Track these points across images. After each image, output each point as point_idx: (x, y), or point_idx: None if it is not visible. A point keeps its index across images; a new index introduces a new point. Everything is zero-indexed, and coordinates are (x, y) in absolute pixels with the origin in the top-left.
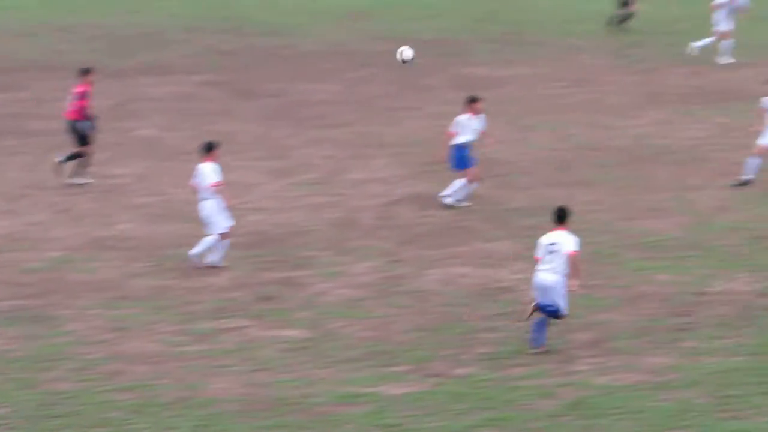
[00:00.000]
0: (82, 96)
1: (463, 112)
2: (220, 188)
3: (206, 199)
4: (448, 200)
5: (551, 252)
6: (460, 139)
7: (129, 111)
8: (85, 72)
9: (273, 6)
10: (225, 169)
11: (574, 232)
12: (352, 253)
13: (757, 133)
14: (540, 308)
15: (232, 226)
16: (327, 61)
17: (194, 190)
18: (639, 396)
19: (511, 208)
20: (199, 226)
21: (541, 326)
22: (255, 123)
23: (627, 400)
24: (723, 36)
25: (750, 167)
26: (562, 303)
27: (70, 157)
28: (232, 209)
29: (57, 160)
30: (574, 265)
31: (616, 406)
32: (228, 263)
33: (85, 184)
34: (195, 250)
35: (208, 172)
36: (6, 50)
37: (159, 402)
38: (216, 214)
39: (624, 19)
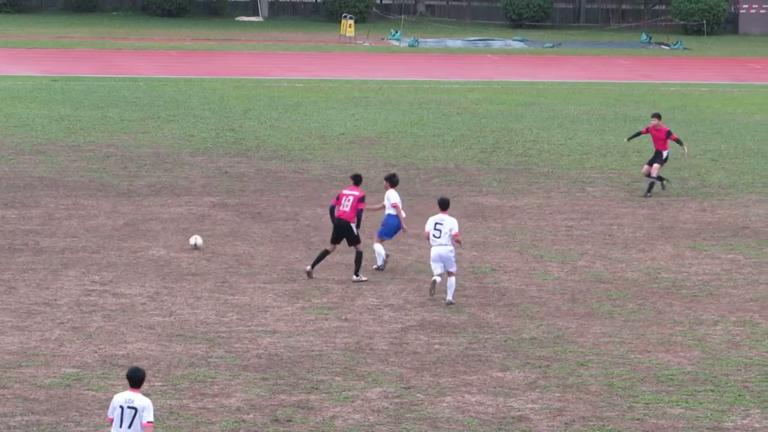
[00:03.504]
0: None
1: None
2: None
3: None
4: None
5: None
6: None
7: (140, 231)
8: None
9: (283, 130)
10: (237, 291)
11: (586, 363)
12: (365, 378)
13: None
14: None
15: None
16: (337, 186)
17: None
18: None
19: (523, 337)
20: (211, 346)
21: None
22: (267, 245)
23: None
24: None
25: None
26: None
27: None
28: (244, 332)
29: None
30: None
31: None
32: (241, 385)
33: None
34: None
35: None
36: (17, 168)
37: None
38: None
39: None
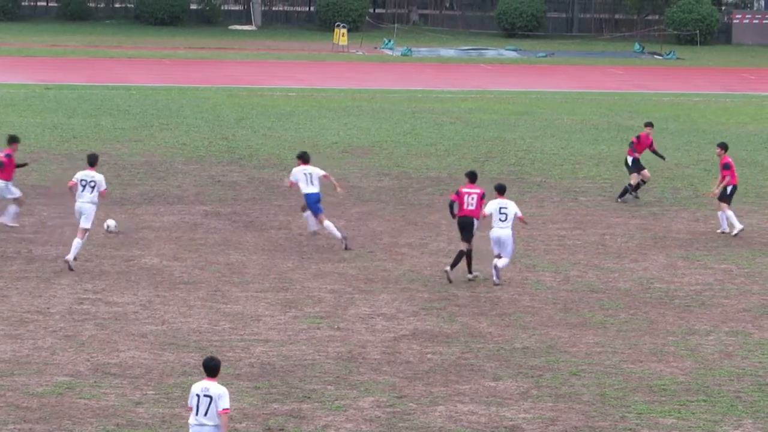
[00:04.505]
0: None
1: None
2: None
3: None
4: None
5: None
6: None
7: (133, 239)
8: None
9: (276, 139)
10: (229, 300)
11: (578, 373)
12: (357, 387)
13: None
14: None
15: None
16: (330, 195)
17: None
18: None
19: (515, 347)
20: (204, 355)
21: None
22: (260, 254)
23: None
24: None
25: None
26: None
27: None
28: (236, 341)
29: None
30: None
31: None
32: (233, 394)
33: None
34: None
35: None
36: None
37: None
38: None
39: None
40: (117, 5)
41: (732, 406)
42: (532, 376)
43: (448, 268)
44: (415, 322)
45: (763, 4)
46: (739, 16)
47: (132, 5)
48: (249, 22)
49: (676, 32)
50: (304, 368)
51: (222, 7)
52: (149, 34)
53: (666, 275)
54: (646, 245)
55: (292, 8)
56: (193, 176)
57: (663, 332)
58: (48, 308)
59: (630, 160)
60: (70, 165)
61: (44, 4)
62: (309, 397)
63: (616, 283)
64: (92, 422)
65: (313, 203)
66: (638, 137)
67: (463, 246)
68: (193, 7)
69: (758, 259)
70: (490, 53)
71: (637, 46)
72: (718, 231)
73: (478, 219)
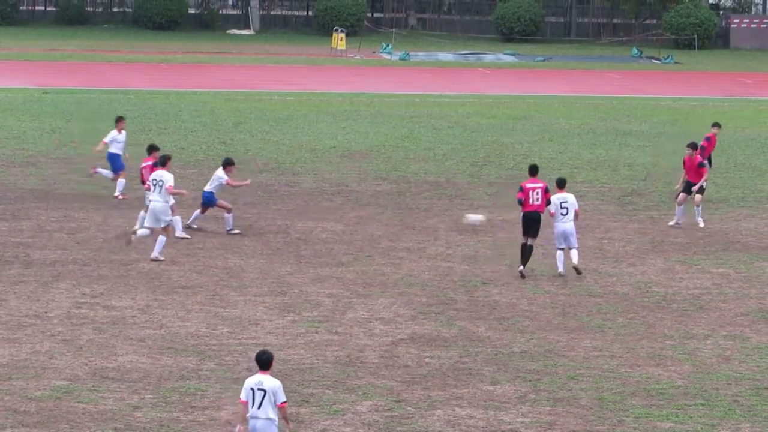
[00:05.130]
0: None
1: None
2: None
3: None
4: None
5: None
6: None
7: (131, 243)
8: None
9: (274, 143)
10: (228, 304)
11: (576, 377)
12: (355, 391)
13: None
14: None
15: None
16: (328, 199)
17: None
18: None
19: (514, 351)
20: (202, 359)
21: None
22: (258, 258)
23: None
24: None
25: None
26: None
27: None
28: (235, 345)
29: None
30: None
31: None
32: (231, 398)
33: None
34: None
35: None
36: (8, 180)
37: None
38: None
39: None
40: (115, 9)
41: (730, 410)
42: (530, 380)
43: (521, 268)
44: (413, 326)
45: (761, 9)
46: (737, 20)
47: (130, 9)
48: (247, 26)
49: (674, 36)
50: (302, 372)
51: (220, 12)
52: (147, 39)
53: (664, 279)
54: (644, 249)
55: (290, 12)
56: (191, 180)
57: (661, 336)
58: (46, 312)
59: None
60: (67, 169)
61: (42, 8)
62: (307, 401)
63: (614, 288)
64: (90, 426)
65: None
66: (708, 138)
67: (524, 239)
68: (192, 11)
69: (756, 263)
70: (488, 57)
71: (635, 51)
72: (670, 223)
73: (543, 213)
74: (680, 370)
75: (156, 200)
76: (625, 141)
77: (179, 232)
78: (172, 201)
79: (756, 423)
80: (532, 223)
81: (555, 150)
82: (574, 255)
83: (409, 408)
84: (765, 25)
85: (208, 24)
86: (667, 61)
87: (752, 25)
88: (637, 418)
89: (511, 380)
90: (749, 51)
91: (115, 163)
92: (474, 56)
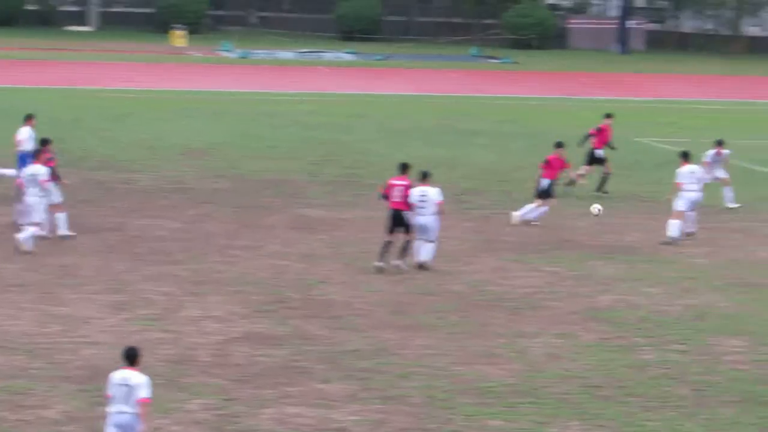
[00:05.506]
0: None
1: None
2: None
3: None
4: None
5: None
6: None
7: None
8: None
9: (112, 140)
10: (61, 302)
11: (408, 375)
12: (186, 390)
13: None
14: None
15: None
16: (165, 197)
17: None
18: None
19: (346, 349)
20: (32, 358)
21: None
22: (93, 256)
23: None
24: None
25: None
26: None
27: None
28: (66, 344)
29: None
30: None
31: None
32: (60, 397)
33: None
34: None
35: None
36: None
37: None
38: None
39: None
40: None
41: (559, 407)
42: (362, 379)
43: (379, 263)
44: (246, 324)
45: (597, 9)
46: (575, 21)
47: None
48: (86, 23)
49: (513, 36)
50: None
51: (58, 8)
52: None
53: (497, 278)
54: (478, 248)
55: (130, 9)
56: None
57: (493, 334)
58: None
59: (597, 152)
60: None
61: None
62: None
63: (448, 286)
64: None
65: None
66: (599, 129)
67: (388, 237)
68: (29, 7)
69: (587, 261)
70: (328, 56)
71: (474, 50)
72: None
73: (406, 210)
74: (511, 368)
75: (33, 195)
76: (463, 140)
77: (63, 231)
78: (52, 196)
79: (585, 420)
80: (395, 219)
81: (393, 148)
82: (426, 249)
83: (239, 406)
84: (602, 26)
85: (46, 20)
86: (505, 60)
87: (589, 26)
88: (468, 416)
89: (343, 378)
90: (587, 51)
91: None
92: (314, 54)
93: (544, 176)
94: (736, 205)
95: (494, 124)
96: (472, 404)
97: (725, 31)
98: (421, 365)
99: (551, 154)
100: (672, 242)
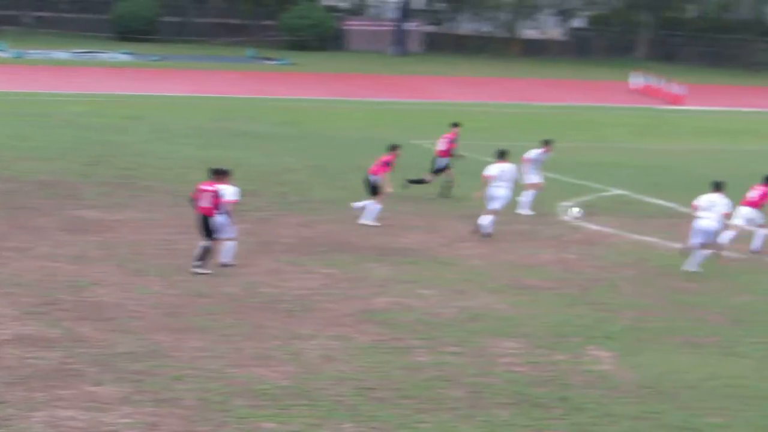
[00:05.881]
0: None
1: None
2: None
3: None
4: None
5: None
6: None
7: None
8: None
9: None
10: None
11: (181, 377)
12: None
13: None
14: None
15: None
16: None
17: None
18: None
19: (118, 352)
20: None
21: None
22: None
23: None
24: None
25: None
26: None
27: None
28: None
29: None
30: None
31: None
32: None
33: None
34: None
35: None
36: None
37: None
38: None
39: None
40: None
41: (333, 409)
42: (134, 381)
43: (198, 269)
44: (17, 326)
45: (375, 11)
46: (352, 22)
47: None
48: None
49: (290, 38)
50: None
51: None
52: None
53: (272, 280)
54: (254, 250)
55: None
56: None
57: (267, 336)
58: None
59: (441, 161)
60: None
61: None
62: None
63: (222, 288)
64: None
65: None
66: (450, 139)
67: (204, 240)
68: None
69: (362, 263)
70: (104, 56)
71: (251, 51)
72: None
73: (212, 215)
74: (285, 370)
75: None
76: (239, 141)
77: None
78: None
79: (359, 422)
80: (201, 223)
81: (167, 150)
82: (224, 248)
83: (9, 409)
84: (380, 28)
85: None
86: (283, 62)
87: (366, 28)
88: (241, 418)
89: (115, 381)
90: (364, 53)
91: None
92: (89, 55)
93: (373, 172)
94: (529, 213)
95: (271, 126)
96: (245, 406)
97: (502, 34)
98: (194, 368)
99: (387, 155)
100: (481, 232)
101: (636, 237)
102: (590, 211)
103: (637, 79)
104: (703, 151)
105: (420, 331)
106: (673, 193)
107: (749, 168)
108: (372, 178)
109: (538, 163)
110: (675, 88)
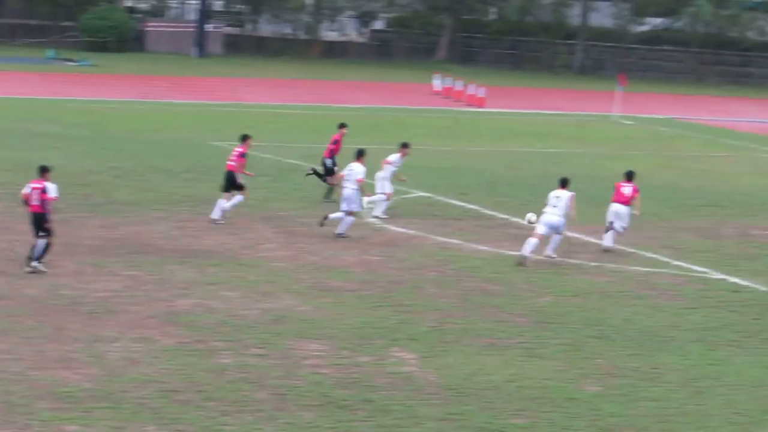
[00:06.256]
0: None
1: None
2: None
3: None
4: None
5: None
6: None
7: None
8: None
9: None
10: None
11: None
12: None
13: None
14: None
15: None
16: None
17: None
18: None
19: None
20: None
21: None
22: None
23: None
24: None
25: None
26: None
27: None
28: None
29: None
30: None
31: None
32: None
33: None
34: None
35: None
36: None
37: None
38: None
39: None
40: None
41: (137, 412)
42: None
43: (34, 264)
44: None
45: (175, 13)
46: (153, 24)
47: None
48: None
49: (90, 39)
50: None
51: None
52: None
53: (74, 282)
54: (56, 252)
55: None
56: None
57: (70, 339)
58: None
59: (327, 162)
60: None
61: None
62: None
63: (23, 290)
64: None
65: None
66: (336, 141)
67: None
68: None
69: (166, 266)
70: None
71: (51, 53)
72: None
73: (42, 213)
74: (88, 372)
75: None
76: (34, 142)
77: None
78: None
79: (162, 425)
80: (33, 221)
81: None
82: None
83: None
84: (180, 29)
85: None
86: (83, 63)
87: (167, 29)
88: (44, 421)
89: None
90: (165, 54)
91: None
92: None
93: (231, 167)
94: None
95: (67, 127)
96: (49, 409)
97: (303, 36)
98: None
99: (240, 146)
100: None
101: (439, 239)
102: (393, 213)
103: (439, 82)
104: (504, 153)
105: (224, 333)
106: (475, 196)
107: (551, 169)
108: (229, 173)
109: (398, 166)
110: (475, 90)
